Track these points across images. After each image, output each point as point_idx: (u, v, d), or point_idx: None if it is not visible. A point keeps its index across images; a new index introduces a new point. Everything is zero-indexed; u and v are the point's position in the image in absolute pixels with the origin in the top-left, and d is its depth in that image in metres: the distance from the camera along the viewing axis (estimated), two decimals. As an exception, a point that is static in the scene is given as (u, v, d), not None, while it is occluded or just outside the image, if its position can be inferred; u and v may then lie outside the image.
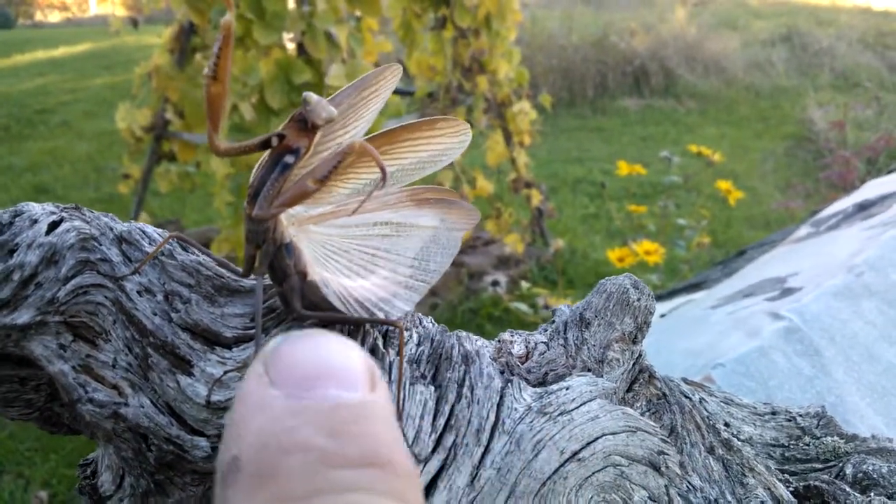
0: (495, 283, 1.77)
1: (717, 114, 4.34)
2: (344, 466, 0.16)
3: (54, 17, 8.97)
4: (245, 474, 0.16)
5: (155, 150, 2.24)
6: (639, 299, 0.39)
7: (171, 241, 0.36)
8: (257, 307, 0.33)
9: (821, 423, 0.39)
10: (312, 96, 0.31)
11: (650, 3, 5.87)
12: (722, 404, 0.40)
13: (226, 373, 0.33)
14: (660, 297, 1.11)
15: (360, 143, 0.30)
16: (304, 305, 0.34)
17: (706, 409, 0.39)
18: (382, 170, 0.29)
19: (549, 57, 4.56)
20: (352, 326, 0.36)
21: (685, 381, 0.40)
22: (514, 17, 2.33)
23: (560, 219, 2.86)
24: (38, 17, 8.88)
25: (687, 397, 0.38)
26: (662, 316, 0.84)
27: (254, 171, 0.32)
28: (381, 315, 0.34)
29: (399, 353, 0.35)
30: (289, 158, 0.31)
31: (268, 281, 0.37)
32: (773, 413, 0.39)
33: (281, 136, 0.31)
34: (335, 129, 0.36)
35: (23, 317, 0.32)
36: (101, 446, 0.36)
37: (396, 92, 2.63)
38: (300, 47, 1.74)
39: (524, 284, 1.59)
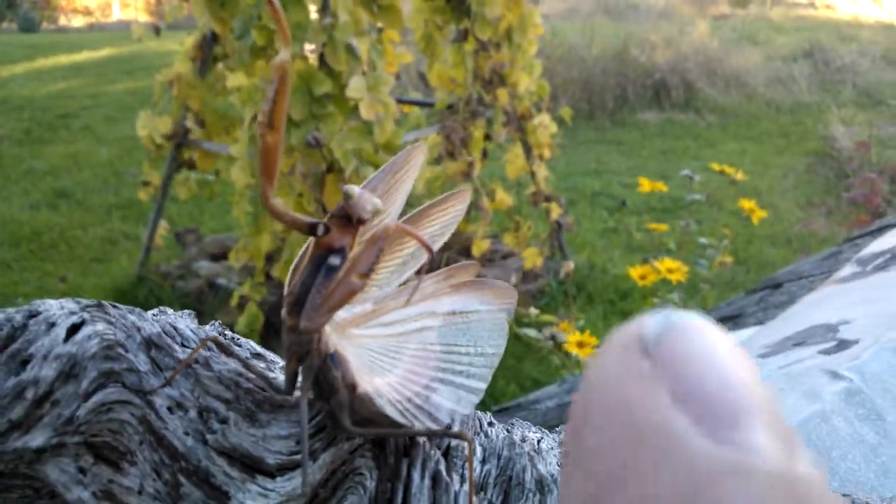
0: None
1: (737, 128, 4.30)
2: None
3: (78, 21, 9.07)
4: None
5: (175, 158, 2.25)
6: None
7: (207, 344, 0.32)
8: (303, 429, 0.29)
9: None
10: (354, 189, 0.28)
11: (671, 17, 5.85)
12: None
13: None
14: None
15: (395, 225, 0.28)
16: (355, 422, 0.31)
17: None
18: (428, 248, 0.27)
19: (569, 69, 4.55)
20: (408, 440, 0.32)
21: None
22: (535, 31, 2.32)
23: (579, 233, 2.84)
24: (62, 21, 8.98)
25: None
26: None
27: (289, 274, 0.29)
28: (445, 418, 0.31)
29: (469, 478, 0.31)
30: (334, 260, 0.28)
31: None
32: None
33: (327, 229, 0.28)
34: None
35: (37, 439, 0.28)
36: None
37: (417, 103, 2.62)
38: (321, 58, 1.73)
39: (532, 311, 1.56)
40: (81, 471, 0.29)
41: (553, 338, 1.34)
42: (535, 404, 1.03)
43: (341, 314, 0.32)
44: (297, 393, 0.32)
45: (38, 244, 2.81)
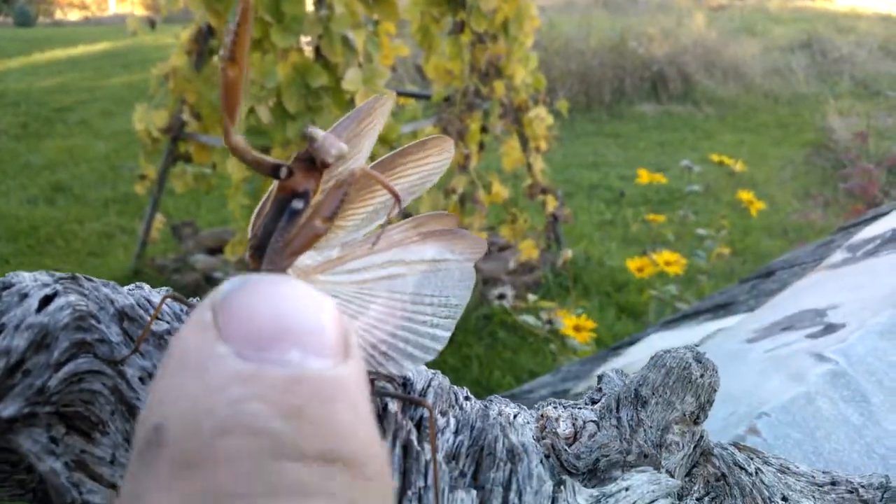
0: (501, 297, 1.74)
1: (735, 120, 4.30)
2: (299, 460, 0.12)
3: (74, 15, 9.03)
4: (168, 454, 0.12)
5: (171, 151, 2.24)
6: (702, 375, 0.35)
7: (172, 311, 0.32)
8: None
9: (885, 495, 0.36)
10: (318, 132, 0.27)
11: (668, 8, 5.84)
12: (779, 474, 0.37)
13: None
14: (685, 318, 1.09)
15: (361, 169, 0.27)
16: None
17: (764, 483, 0.36)
18: (394, 194, 0.27)
19: (567, 61, 4.54)
20: (381, 410, 0.32)
21: (737, 446, 0.37)
22: (531, 23, 2.31)
23: (575, 225, 2.84)
24: (58, 15, 8.95)
25: (744, 470, 0.35)
26: (697, 345, 0.81)
27: (253, 218, 0.29)
28: (410, 366, 0.31)
29: (432, 445, 0.31)
30: (297, 204, 0.28)
31: None
32: (833, 483, 0.36)
33: (290, 171, 0.28)
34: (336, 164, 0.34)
35: (9, 409, 0.28)
36: None
37: (413, 95, 2.62)
38: (317, 51, 1.73)
39: (531, 297, 1.57)
40: (54, 441, 0.29)
41: (550, 322, 1.35)
42: (528, 394, 1.03)
43: (306, 261, 0.31)
44: None
45: (36, 239, 2.81)
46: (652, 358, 0.36)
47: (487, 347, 2.01)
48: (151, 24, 2.48)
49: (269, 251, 0.28)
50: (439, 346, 0.32)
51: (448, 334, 0.32)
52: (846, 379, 0.48)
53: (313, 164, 0.28)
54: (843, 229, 1.09)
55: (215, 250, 2.48)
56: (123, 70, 5.71)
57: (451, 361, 1.96)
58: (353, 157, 0.33)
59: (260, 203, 0.29)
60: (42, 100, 4.82)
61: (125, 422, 0.30)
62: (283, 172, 0.28)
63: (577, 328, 1.30)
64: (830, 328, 0.55)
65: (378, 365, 0.30)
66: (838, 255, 0.74)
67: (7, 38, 7.22)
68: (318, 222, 0.27)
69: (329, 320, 0.14)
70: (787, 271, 0.92)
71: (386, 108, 0.35)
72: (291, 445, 0.12)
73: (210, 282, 2.31)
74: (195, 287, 2.29)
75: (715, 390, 0.35)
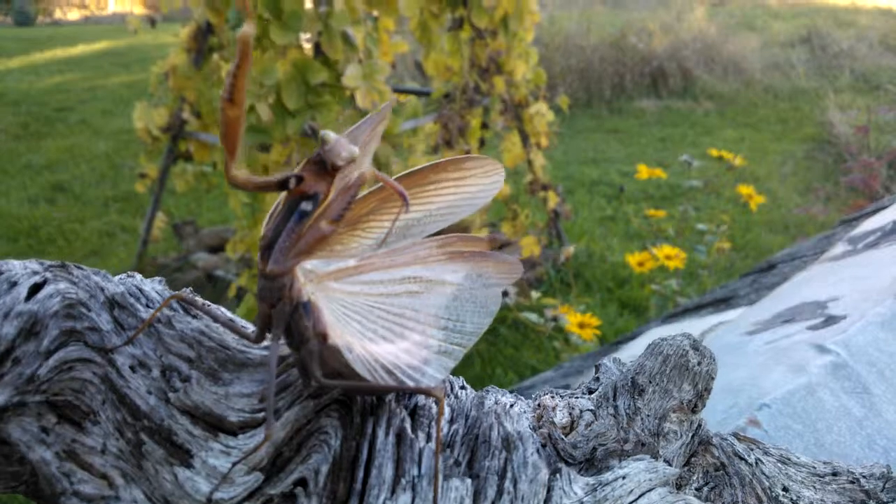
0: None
1: (735, 115, 4.29)
2: None
3: (73, 15, 9.03)
4: None
5: (171, 150, 2.24)
6: (699, 363, 0.34)
7: (171, 303, 0.32)
8: (270, 381, 0.29)
9: (886, 485, 0.36)
10: (330, 135, 0.27)
11: (668, 4, 5.83)
12: (779, 464, 0.36)
13: (233, 465, 0.29)
14: (686, 312, 1.08)
15: (371, 171, 0.27)
16: (325, 374, 0.30)
17: (764, 473, 0.35)
18: (402, 195, 0.26)
19: (567, 57, 4.53)
20: (375, 400, 0.32)
21: (737, 436, 0.37)
22: (531, 18, 2.31)
23: (576, 221, 2.84)
24: (58, 14, 8.94)
25: (744, 460, 0.35)
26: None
27: (265, 221, 0.29)
28: (410, 384, 0.30)
29: (437, 435, 0.30)
30: (306, 206, 0.28)
31: (284, 350, 0.32)
32: (834, 474, 0.36)
33: (299, 179, 0.28)
34: (348, 169, 0.33)
35: None
36: None
37: (413, 92, 2.61)
38: (317, 48, 1.73)
39: (534, 294, 1.57)
40: (44, 430, 0.29)
41: (555, 319, 1.35)
42: (529, 389, 1.03)
43: (318, 266, 0.31)
44: (268, 344, 0.31)
45: (37, 238, 2.81)
46: (649, 346, 0.35)
47: (489, 344, 2.01)
48: (152, 22, 2.48)
49: (274, 251, 0.28)
50: (441, 375, 0.31)
51: (452, 364, 0.31)
52: (847, 370, 0.47)
53: (324, 167, 0.28)
54: (844, 222, 1.09)
55: (216, 248, 2.48)
56: (123, 69, 5.71)
57: (453, 358, 1.96)
58: (365, 161, 0.32)
59: (274, 205, 0.29)
60: (42, 99, 4.82)
61: (116, 411, 0.29)
62: (292, 183, 0.28)
63: (581, 325, 1.30)
64: (831, 319, 0.55)
65: (380, 379, 0.30)
66: (839, 248, 0.74)
67: (6, 37, 7.22)
68: (324, 224, 0.27)
69: None
70: (788, 265, 0.92)
71: (389, 114, 0.34)
72: None
73: (211, 280, 2.31)
74: (196, 286, 2.29)
75: (712, 378, 0.34)
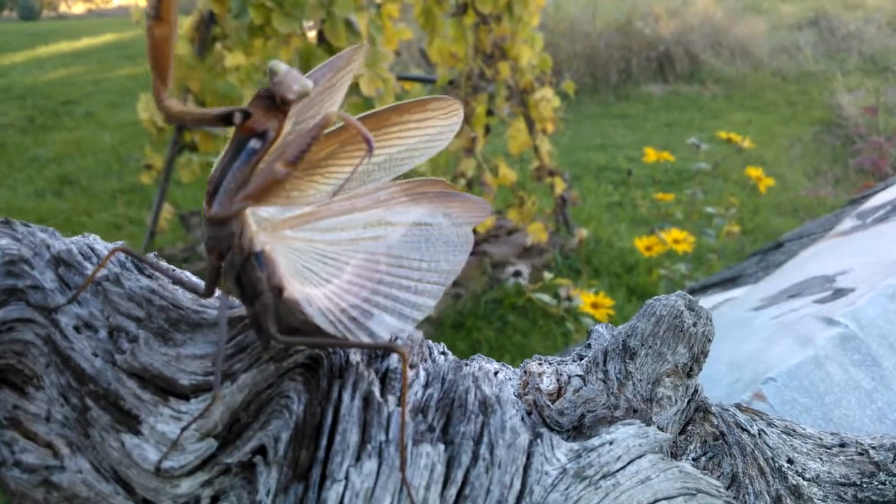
0: (517, 274, 1.73)
1: (743, 99, 4.26)
2: None
3: (78, 8, 9.03)
4: None
5: (177, 141, 2.24)
6: (695, 324, 0.32)
7: (116, 258, 0.29)
8: (221, 338, 0.26)
9: None
10: (281, 66, 0.25)
11: (674, -13, 5.77)
12: (784, 436, 0.34)
13: (182, 431, 0.26)
14: (692, 292, 1.08)
15: (335, 112, 0.25)
16: (281, 329, 0.28)
17: (767, 444, 0.33)
18: (367, 139, 0.24)
19: (573, 43, 4.50)
20: (344, 362, 0.29)
21: (740, 407, 0.35)
22: (536, 3, 2.29)
23: (584, 207, 2.82)
24: (63, 8, 8.95)
25: (745, 430, 0.33)
26: None
27: (215, 163, 0.27)
28: (384, 335, 0.28)
29: (402, 394, 0.28)
30: (255, 144, 0.25)
31: (238, 310, 0.30)
32: (842, 445, 0.34)
33: (246, 114, 0.25)
34: (309, 115, 0.30)
35: None
36: None
37: (418, 79, 2.60)
38: (320, 35, 1.72)
39: (547, 275, 1.57)
40: None
41: (569, 299, 1.34)
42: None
43: (273, 213, 0.29)
44: (218, 298, 0.29)
45: (45, 231, 2.82)
46: (642, 307, 0.33)
47: (497, 332, 2.00)
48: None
49: (219, 192, 0.25)
50: (420, 316, 0.29)
51: (433, 302, 0.29)
52: (856, 343, 0.46)
53: (274, 102, 0.25)
54: (853, 202, 1.08)
55: (223, 239, 2.48)
56: (128, 61, 5.71)
57: (461, 346, 1.96)
58: (327, 107, 0.30)
59: (224, 147, 0.27)
60: (48, 93, 4.83)
61: (60, 374, 0.28)
62: (237, 117, 0.25)
63: (595, 305, 1.30)
64: (840, 293, 0.54)
65: (346, 332, 0.27)
66: (847, 223, 0.73)
67: (12, 32, 7.23)
68: (279, 166, 0.25)
69: None
70: (796, 243, 0.91)
71: (361, 59, 0.32)
72: None
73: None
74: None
75: (709, 340, 0.32)
